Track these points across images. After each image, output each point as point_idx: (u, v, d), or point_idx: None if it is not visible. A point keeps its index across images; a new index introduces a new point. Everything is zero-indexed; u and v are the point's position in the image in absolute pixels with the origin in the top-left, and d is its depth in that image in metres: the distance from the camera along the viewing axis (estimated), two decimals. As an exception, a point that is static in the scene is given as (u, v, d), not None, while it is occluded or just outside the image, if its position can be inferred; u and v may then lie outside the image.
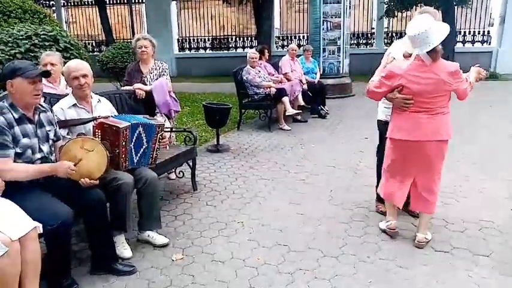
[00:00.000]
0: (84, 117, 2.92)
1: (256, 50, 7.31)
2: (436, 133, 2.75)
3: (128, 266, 2.74)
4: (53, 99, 3.13)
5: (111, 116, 2.91)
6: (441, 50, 2.67)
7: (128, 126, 2.75)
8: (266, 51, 7.70)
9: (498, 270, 2.62)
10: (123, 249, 2.87)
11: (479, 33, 13.66)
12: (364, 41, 15.05)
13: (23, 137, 2.42)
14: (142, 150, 2.96)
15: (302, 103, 7.20)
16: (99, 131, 2.71)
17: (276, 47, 15.20)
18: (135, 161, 2.92)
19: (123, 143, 2.74)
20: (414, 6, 12.09)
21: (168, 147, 3.82)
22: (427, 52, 2.63)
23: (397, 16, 13.16)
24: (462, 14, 13.39)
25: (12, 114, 2.39)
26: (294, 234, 3.17)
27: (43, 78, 3.47)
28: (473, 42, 13.69)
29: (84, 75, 2.88)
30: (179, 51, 16.15)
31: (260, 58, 7.15)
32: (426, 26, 2.61)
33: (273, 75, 7.33)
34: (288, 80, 7.30)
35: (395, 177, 2.98)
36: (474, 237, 3.04)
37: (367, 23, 15.28)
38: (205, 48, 16.16)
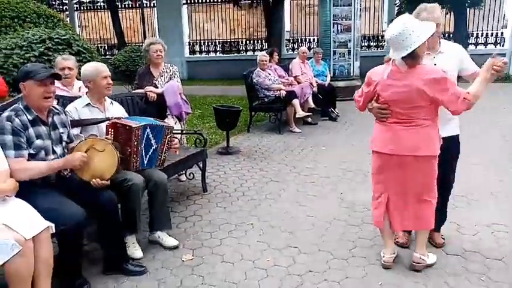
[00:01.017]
0: (97, 116, 3.00)
1: (266, 52, 7.34)
2: (413, 148, 2.46)
3: (139, 266, 2.76)
4: (65, 101, 3.19)
5: (124, 118, 2.97)
6: (421, 55, 2.39)
7: (140, 127, 2.79)
8: (275, 53, 7.71)
9: (511, 274, 2.59)
10: (134, 249, 2.90)
11: (492, 35, 13.50)
12: (374, 43, 14.99)
13: (37, 139, 2.46)
14: (151, 151, 2.99)
15: (312, 105, 7.20)
16: (112, 130, 2.76)
17: (287, 49, 15.21)
18: (145, 162, 2.95)
19: (135, 143, 2.77)
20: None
21: (178, 151, 3.83)
22: (403, 57, 2.36)
23: (408, 18, 13.07)
24: (475, 16, 13.26)
25: (26, 116, 2.43)
26: (304, 236, 3.17)
27: (57, 81, 3.56)
28: (485, 44, 13.52)
29: (110, 76, 3.03)
30: (190, 54, 16.24)
31: (269, 60, 7.17)
32: (402, 27, 2.32)
33: (284, 77, 7.34)
34: (298, 82, 7.30)
35: (377, 192, 2.73)
36: (486, 240, 3.01)
37: (378, 25, 15.21)
38: (215, 52, 16.23)
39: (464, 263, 2.73)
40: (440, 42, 2.72)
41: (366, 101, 2.65)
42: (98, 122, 2.97)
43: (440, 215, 2.88)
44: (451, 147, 2.75)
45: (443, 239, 2.99)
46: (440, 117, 2.61)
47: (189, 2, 16.10)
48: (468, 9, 12.01)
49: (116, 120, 2.84)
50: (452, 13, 12.28)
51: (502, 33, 13.48)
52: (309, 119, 7.14)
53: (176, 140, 3.27)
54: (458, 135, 2.84)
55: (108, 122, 2.85)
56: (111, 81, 3.02)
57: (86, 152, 2.54)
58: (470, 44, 13.19)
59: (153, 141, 2.97)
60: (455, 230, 3.16)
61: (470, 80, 2.67)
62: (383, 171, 2.63)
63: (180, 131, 4.27)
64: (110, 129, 2.77)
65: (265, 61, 6.82)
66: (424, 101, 2.40)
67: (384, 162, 2.60)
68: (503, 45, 13.34)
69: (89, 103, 3.03)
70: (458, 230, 3.18)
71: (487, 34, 13.52)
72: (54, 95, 2.53)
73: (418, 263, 2.65)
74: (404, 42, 2.32)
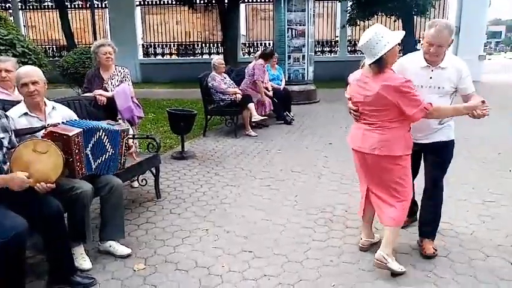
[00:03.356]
0: (36, 125, 2.78)
1: (265, 52, 7.57)
2: (372, 147, 2.62)
3: (88, 278, 2.64)
4: (6, 105, 2.99)
5: (63, 123, 2.78)
6: (390, 62, 2.51)
7: (79, 133, 2.65)
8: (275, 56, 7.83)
9: (455, 270, 2.72)
10: (82, 260, 2.77)
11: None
12: (328, 49, 15.38)
13: (-27, 145, 2.29)
14: (107, 156, 2.90)
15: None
16: (50, 140, 2.57)
17: (242, 53, 15.27)
18: (94, 166, 2.83)
19: (76, 151, 2.64)
20: (375, 16, 12.50)
21: (136, 156, 3.73)
22: (371, 63, 2.50)
23: (359, 25, 13.54)
24: (421, 23, 13.94)
25: (-40, 121, 2.26)
26: (259, 241, 3.16)
27: (-4, 84, 3.34)
28: (431, 50, 14.25)
29: (34, 82, 2.73)
30: (144, 56, 15.92)
31: (266, 59, 7.38)
32: (370, 35, 2.47)
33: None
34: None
35: (360, 185, 2.98)
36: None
37: (331, 31, 15.64)
38: (170, 54, 16.01)
39: (411, 260, 2.83)
40: (443, 58, 2.73)
41: (348, 101, 2.79)
42: (33, 131, 2.73)
43: (432, 220, 2.98)
44: (442, 152, 2.89)
45: (436, 250, 2.90)
46: (430, 124, 2.78)
47: (142, 3, 15.79)
48: (415, 16, 12.62)
49: (52, 128, 2.64)
50: (400, 21, 12.85)
51: (445, 40, 14.29)
52: (265, 122, 7.21)
53: (133, 146, 3.17)
54: (451, 140, 2.91)
55: (44, 130, 2.65)
56: (33, 89, 2.71)
57: (28, 152, 2.39)
58: (418, 50, 13.84)
59: (108, 147, 2.87)
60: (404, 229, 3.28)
61: (463, 100, 2.75)
62: (358, 166, 2.85)
63: (132, 136, 4.15)
64: (47, 139, 2.57)
65: (223, 65, 6.80)
66: (386, 105, 2.51)
67: (356, 158, 2.82)
68: (446, 52, 14.14)
69: (27, 112, 2.78)
70: (405, 228, 3.29)
71: (432, 41, 14.25)
72: None
73: (379, 261, 2.64)
74: (373, 49, 2.45)
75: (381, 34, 2.46)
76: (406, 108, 2.49)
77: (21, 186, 2.33)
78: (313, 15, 10.19)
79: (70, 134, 2.60)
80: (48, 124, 2.76)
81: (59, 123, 2.76)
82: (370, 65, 2.52)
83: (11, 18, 14.77)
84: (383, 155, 2.61)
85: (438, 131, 2.86)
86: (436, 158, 2.91)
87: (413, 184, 2.92)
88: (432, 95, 2.70)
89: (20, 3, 16.38)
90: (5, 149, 2.49)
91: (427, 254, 2.88)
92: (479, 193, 4.05)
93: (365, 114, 2.65)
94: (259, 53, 7.80)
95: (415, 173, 2.97)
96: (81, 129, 2.70)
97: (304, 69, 10.06)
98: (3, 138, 2.48)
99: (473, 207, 3.74)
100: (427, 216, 3.00)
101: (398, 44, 2.50)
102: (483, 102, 2.55)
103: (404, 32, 2.60)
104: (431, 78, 2.75)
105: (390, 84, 2.47)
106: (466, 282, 2.59)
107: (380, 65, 2.49)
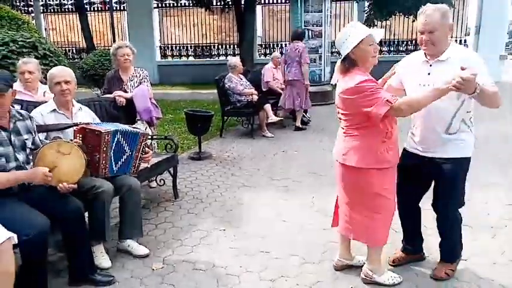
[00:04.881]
0: (63, 122, 2.89)
1: (297, 31, 7.48)
2: (339, 154, 2.46)
3: (107, 276, 2.69)
4: (29, 106, 3.08)
5: (93, 123, 2.89)
6: (359, 61, 2.28)
7: (109, 132, 2.73)
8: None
9: (476, 273, 2.67)
10: (102, 259, 2.82)
11: (456, 42, 13.98)
12: (345, 49, 15.26)
13: (-4, 146, 2.36)
14: (124, 158, 2.92)
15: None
16: (80, 135, 2.67)
17: (259, 55, 15.28)
18: (115, 169, 2.88)
19: (104, 149, 2.71)
20: (393, 16, 12.35)
21: (149, 163, 3.75)
22: (341, 63, 2.34)
23: (376, 25, 13.39)
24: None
25: (-16, 122, 2.33)
26: (275, 241, 3.16)
27: (20, 85, 3.44)
28: (450, 50, 14.02)
29: (67, 82, 2.89)
30: (161, 58, 16.08)
31: (301, 40, 7.19)
32: (341, 32, 2.33)
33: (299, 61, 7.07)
34: (270, 88, 7.31)
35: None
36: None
37: (348, 31, 15.49)
38: (187, 56, 16.13)
39: (427, 265, 2.79)
40: (445, 50, 2.32)
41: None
42: (65, 127, 2.88)
43: (446, 245, 2.63)
44: (451, 173, 2.42)
45: (448, 274, 2.59)
46: (434, 133, 2.39)
47: (160, 6, 15.96)
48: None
49: (85, 125, 2.77)
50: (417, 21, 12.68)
51: (465, 40, 14.04)
52: (282, 123, 7.18)
53: (150, 152, 3.20)
54: (465, 158, 2.42)
55: (76, 127, 2.77)
56: (65, 88, 2.87)
57: (52, 153, 2.44)
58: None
59: (126, 148, 2.90)
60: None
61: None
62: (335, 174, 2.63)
63: (150, 136, 4.20)
64: (78, 135, 2.68)
65: (240, 66, 6.82)
66: (349, 108, 2.33)
67: (335, 165, 2.60)
68: (466, 52, 13.87)
69: (55, 109, 2.93)
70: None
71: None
72: (7, 104, 2.39)
73: (365, 277, 2.57)
74: (341, 47, 2.31)
75: (349, 32, 2.28)
76: (367, 107, 2.21)
77: (44, 179, 2.37)
78: (330, 15, 10.13)
79: (102, 131, 2.68)
80: (80, 122, 2.87)
81: (90, 123, 2.86)
82: (341, 64, 2.36)
83: (33, 21, 15.13)
84: (345, 164, 2.41)
85: (448, 144, 2.39)
86: (443, 179, 2.46)
87: (416, 209, 2.68)
88: None
89: (41, 7, 16.75)
90: (28, 150, 2.56)
91: (435, 276, 2.60)
92: (499, 196, 3.96)
93: (339, 118, 2.49)
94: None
95: (418, 194, 2.68)
96: (111, 130, 2.76)
97: (321, 70, 10.00)
98: (26, 139, 2.55)
99: (494, 210, 3.66)
100: (441, 239, 2.65)
101: (382, 44, 2.25)
102: (462, 69, 2.03)
103: (382, 31, 2.35)
104: (429, 74, 2.35)
105: (349, 85, 2.26)
106: (488, 287, 2.54)
107: (346, 64, 2.31)
